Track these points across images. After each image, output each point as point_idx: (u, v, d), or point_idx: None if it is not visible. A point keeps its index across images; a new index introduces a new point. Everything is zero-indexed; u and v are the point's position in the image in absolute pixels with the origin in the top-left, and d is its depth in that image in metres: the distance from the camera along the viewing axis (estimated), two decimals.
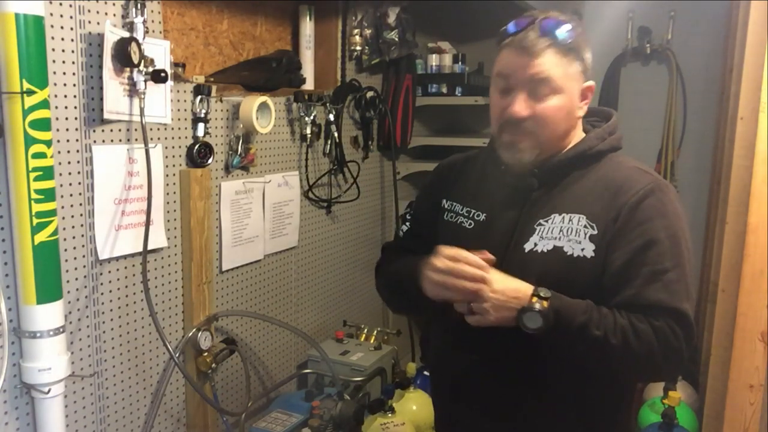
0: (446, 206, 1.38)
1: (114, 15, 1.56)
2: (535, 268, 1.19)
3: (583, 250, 1.17)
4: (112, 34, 1.52)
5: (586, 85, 1.25)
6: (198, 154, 1.83)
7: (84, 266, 1.57)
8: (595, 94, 3.10)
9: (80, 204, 1.54)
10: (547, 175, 1.25)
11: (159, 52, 1.64)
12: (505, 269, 1.19)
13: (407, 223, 1.48)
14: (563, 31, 1.18)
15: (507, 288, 1.14)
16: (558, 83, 1.18)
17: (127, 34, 1.55)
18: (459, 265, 1.14)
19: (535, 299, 1.12)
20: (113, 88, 1.55)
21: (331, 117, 2.39)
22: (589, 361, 1.16)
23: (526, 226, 1.23)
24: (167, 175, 1.78)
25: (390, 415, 2.16)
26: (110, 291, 1.64)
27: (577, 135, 1.29)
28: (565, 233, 1.19)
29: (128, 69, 1.56)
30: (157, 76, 1.57)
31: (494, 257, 1.18)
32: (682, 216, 1.20)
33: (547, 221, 1.22)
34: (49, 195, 1.38)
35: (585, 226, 1.19)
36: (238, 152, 1.99)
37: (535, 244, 1.21)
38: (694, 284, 1.19)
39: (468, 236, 1.30)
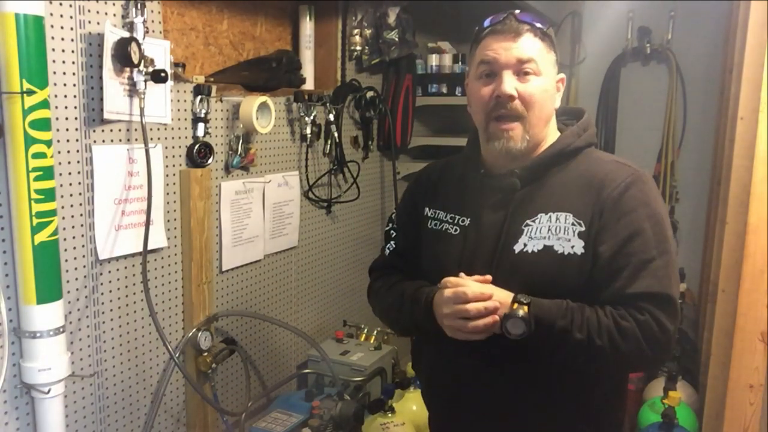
0: (429, 215, 1.38)
1: (114, 15, 1.56)
2: (527, 269, 1.20)
3: (573, 247, 1.18)
4: (112, 34, 1.52)
5: (560, 77, 1.30)
6: (198, 154, 1.83)
7: (84, 266, 1.57)
8: (595, 94, 3.12)
9: (80, 204, 1.54)
10: (529, 174, 1.26)
11: (159, 52, 1.64)
12: (495, 272, 1.21)
13: (392, 242, 1.48)
14: (537, 21, 1.25)
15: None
16: (539, 65, 1.22)
17: (127, 34, 1.55)
18: (475, 324, 1.16)
19: (516, 305, 1.14)
20: (113, 88, 1.55)
21: (331, 117, 2.39)
22: (576, 362, 1.18)
23: (514, 227, 1.24)
24: (167, 175, 1.78)
25: (390, 415, 2.15)
26: (110, 291, 1.64)
27: (553, 134, 1.30)
28: (554, 232, 1.20)
29: (128, 69, 1.56)
30: (157, 76, 1.57)
31: (489, 276, 1.20)
32: (662, 204, 1.24)
33: (534, 221, 1.23)
34: (49, 195, 1.38)
35: (572, 224, 1.20)
36: (238, 152, 1.99)
37: (525, 245, 1.21)
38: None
39: (453, 242, 1.31)
